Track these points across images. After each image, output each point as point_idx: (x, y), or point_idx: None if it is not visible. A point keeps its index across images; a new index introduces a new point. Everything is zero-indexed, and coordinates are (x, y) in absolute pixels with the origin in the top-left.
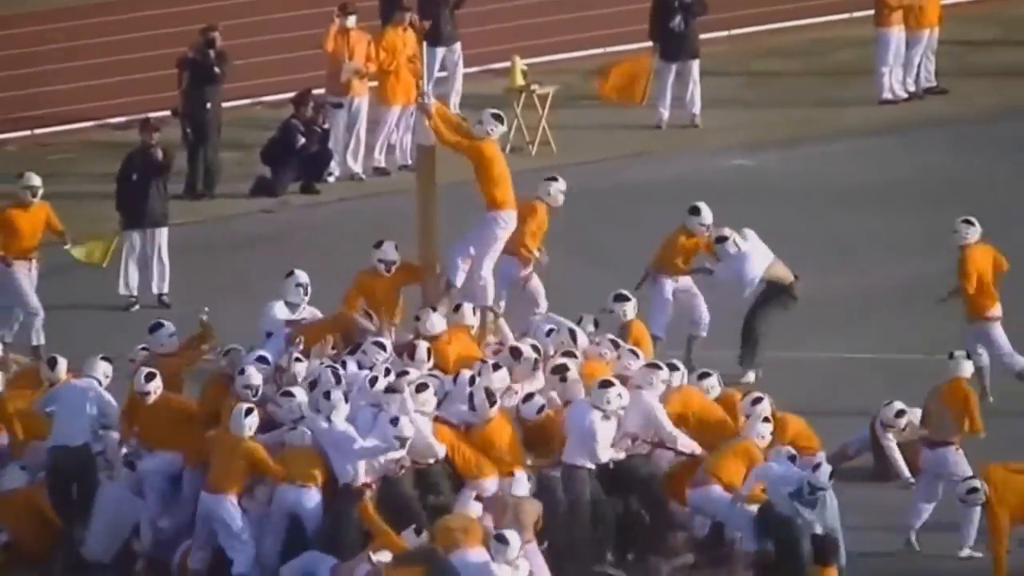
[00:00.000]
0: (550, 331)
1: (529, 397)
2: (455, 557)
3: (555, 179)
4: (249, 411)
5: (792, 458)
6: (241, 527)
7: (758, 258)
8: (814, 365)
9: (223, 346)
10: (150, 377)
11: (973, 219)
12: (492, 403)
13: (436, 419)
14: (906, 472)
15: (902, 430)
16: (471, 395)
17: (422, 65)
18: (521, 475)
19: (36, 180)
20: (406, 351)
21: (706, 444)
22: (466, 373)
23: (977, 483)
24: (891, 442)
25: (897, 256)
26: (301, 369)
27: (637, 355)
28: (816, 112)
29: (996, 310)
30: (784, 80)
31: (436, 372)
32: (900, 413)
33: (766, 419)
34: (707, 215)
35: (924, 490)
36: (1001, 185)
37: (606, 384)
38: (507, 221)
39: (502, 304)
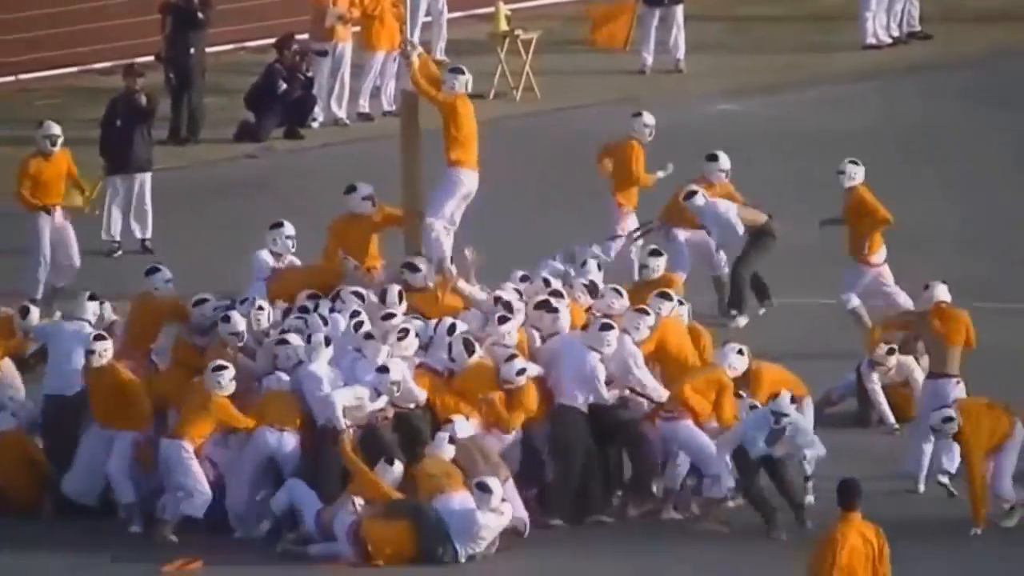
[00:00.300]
0: (523, 277)
1: (511, 358)
2: (439, 502)
3: (640, 114)
4: (220, 368)
5: (752, 408)
6: (194, 473)
7: (726, 203)
8: (796, 311)
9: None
10: (99, 337)
11: (858, 160)
12: (470, 352)
13: (420, 365)
14: (891, 418)
15: (889, 371)
16: (450, 345)
17: (406, 10)
18: (459, 419)
19: (56, 129)
20: (378, 295)
21: (676, 378)
22: (446, 321)
23: (952, 412)
24: (876, 385)
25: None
26: (263, 317)
27: (620, 294)
28: (800, 57)
29: (878, 256)
30: (768, 25)
31: (419, 317)
32: (891, 351)
33: (740, 352)
34: (725, 161)
35: (923, 427)
36: (985, 130)
37: (606, 327)
38: (464, 180)
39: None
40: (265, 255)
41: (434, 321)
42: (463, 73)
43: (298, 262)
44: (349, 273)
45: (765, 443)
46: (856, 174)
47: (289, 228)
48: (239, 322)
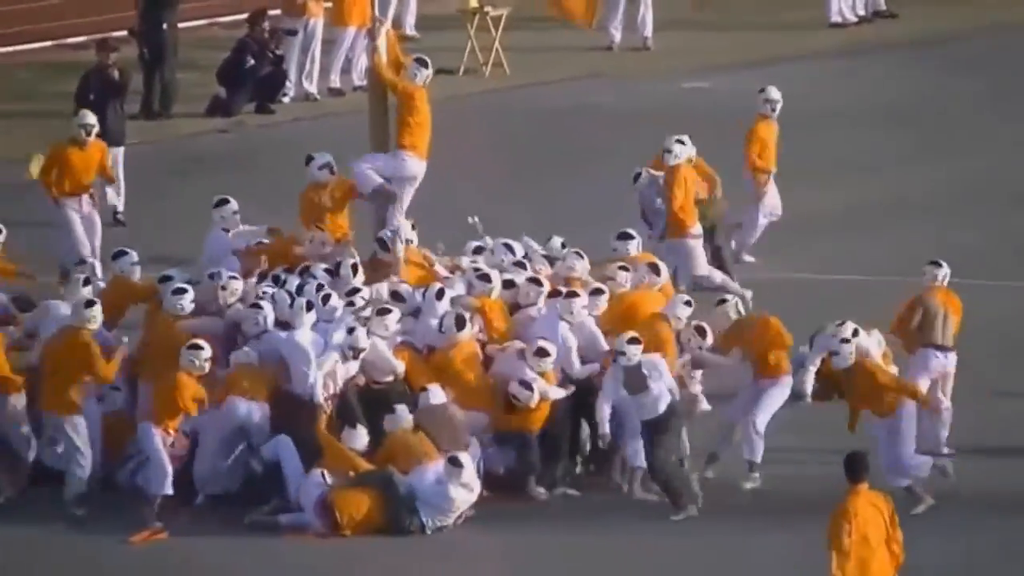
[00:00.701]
0: (477, 249)
1: (529, 386)
2: (415, 473)
3: (763, 90)
4: (196, 347)
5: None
6: (155, 450)
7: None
8: (762, 286)
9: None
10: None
11: (685, 139)
12: (460, 327)
13: (401, 343)
14: (808, 392)
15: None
16: (443, 316)
17: None
18: (435, 387)
19: (91, 118)
20: (332, 268)
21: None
22: (435, 286)
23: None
24: (817, 358)
25: (845, 177)
26: (237, 287)
27: (581, 256)
28: (767, 35)
29: (697, 228)
30: (736, 3)
31: (403, 289)
32: (855, 333)
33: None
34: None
35: (933, 398)
36: (950, 108)
37: (572, 294)
38: (408, 163)
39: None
40: (221, 234)
41: (422, 288)
42: (427, 68)
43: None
44: (306, 245)
45: (626, 389)
46: (681, 153)
47: (234, 204)
48: (190, 296)
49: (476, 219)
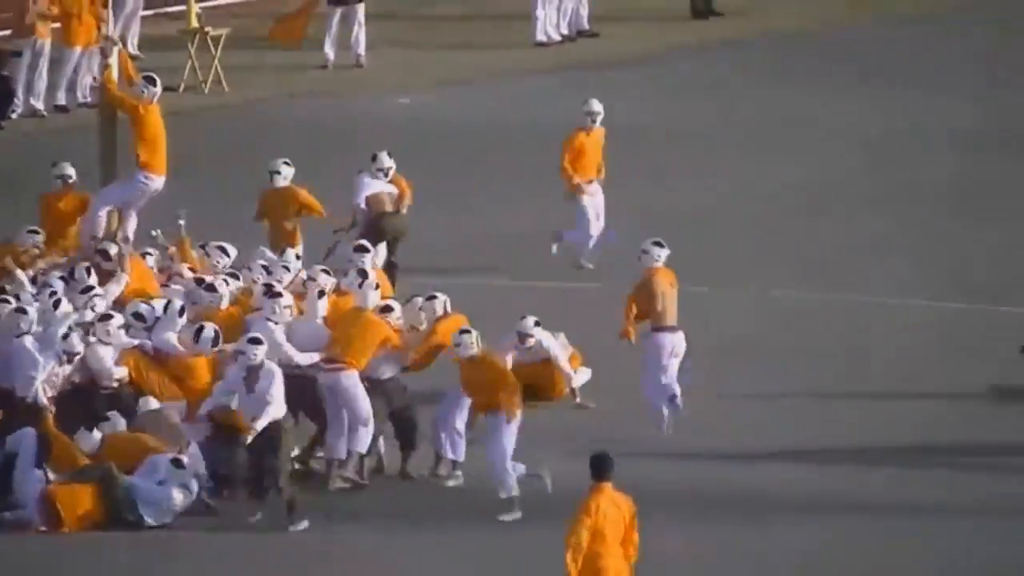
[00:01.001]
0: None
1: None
2: (139, 471)
3: (585, 101)
4: None
5: None
6: None
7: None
8: (467, 292)
9: None
10: None
11: (290, 161)
12: (216, 343)
13: (135, 347)
14: None
15: (530, 347)
16: (200, 328)
17: (108, 9)
18: (149, 399)
19: None
20: (67, 273)
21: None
22: (176, 303)
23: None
24: (510, 356)
25: (548, 193)
26: None
27: (288, 269)
28: (476, 53)
29: (300, 248)
30: (447, 23)
31: (143, 309)
32: (537, 323)
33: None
34: (385, 160)
35: (670, 373)
36: (652, 127)
37: (275, 295)
38: (147, 181)
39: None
40: None
41: (162, 302)
42: (155, 85)
43: None
44: (30, 246)
45: (246, 386)
46: (288, 174)
47: None
48: None
49: (182, 216)
